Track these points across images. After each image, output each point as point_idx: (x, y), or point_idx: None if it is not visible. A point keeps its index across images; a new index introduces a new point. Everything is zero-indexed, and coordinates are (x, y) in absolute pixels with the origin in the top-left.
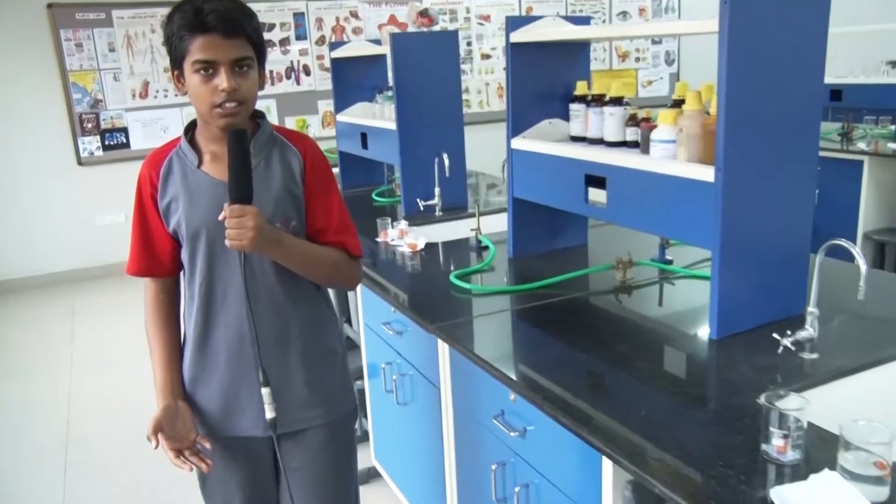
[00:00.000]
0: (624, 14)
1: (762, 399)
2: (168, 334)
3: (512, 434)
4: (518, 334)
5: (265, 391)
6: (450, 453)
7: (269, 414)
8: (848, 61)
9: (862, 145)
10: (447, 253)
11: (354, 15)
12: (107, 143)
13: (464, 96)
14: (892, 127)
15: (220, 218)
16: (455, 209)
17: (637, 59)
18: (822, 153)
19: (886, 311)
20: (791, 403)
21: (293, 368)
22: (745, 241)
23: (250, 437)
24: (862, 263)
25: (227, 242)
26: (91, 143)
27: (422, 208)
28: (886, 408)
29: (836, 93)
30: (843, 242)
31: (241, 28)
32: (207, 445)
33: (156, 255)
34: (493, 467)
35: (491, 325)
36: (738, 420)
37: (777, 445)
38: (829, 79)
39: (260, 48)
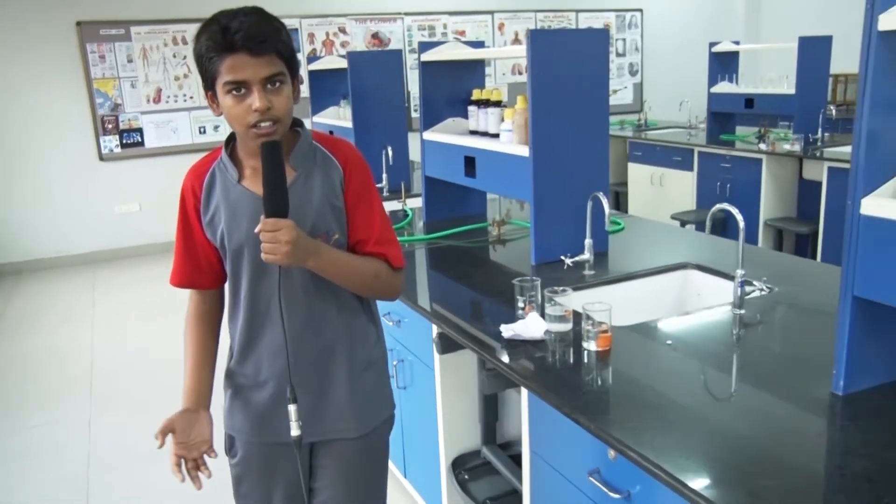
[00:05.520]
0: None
1: (514, 281)
2: (204, 344)
3: (390, 324)
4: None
5: (292, 408)
6: None
7: (295, 431)
8: (762, 73)
9: (762, 146)
10: None
11: (343, 30)
12: (124, 141)
13: None
14: (789, 131)
15: (256, 231)
16: (399, 191)
17: None
18: (731, 153)
19: (644, 246)
20: (532, 282)
21: (332, 382)
22: (552, 197)
23: (289, 443)
24: (606, 206)
25: (262, 256)
26: (111, 142)
27: None
28: (629, 301)
29: (750, 101)
30: (599, 195)
31: (269, 45)
32: (213, 456)
33: (200, 267)
34: (395, 363)
35: None
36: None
37: (523, 308)
38: (742, 89)
39: (291, 61)
